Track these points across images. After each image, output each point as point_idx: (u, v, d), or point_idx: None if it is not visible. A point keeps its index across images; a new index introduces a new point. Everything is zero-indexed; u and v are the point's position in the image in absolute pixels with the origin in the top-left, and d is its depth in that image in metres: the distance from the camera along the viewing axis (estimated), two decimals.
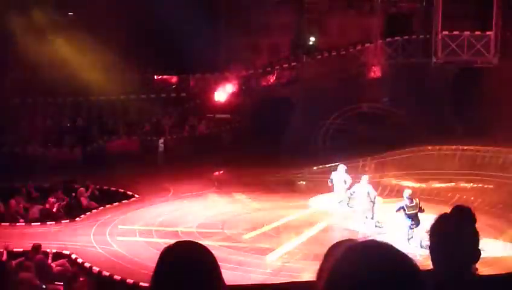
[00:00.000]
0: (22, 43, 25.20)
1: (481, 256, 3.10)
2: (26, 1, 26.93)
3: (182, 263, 2.52)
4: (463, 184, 22.12)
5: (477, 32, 27.75)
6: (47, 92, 27.39)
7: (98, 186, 21.85)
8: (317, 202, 20.54)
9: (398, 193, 22.09)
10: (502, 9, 27.07)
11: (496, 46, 27.43)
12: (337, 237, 17.18)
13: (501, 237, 16.42)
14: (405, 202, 15.97)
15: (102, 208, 20.26)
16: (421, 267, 1.77)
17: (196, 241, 2.71)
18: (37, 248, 14.57)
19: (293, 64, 30.22)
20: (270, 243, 16.60)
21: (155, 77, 31.24)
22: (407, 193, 16.17)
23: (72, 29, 26.31)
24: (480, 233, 3.27)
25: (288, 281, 13.03)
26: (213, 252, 2.61)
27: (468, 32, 27.69)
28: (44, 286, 13.24)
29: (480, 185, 21.85)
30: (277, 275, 13.99)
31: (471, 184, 22.02)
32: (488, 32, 27.57)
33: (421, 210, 15.95)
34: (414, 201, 16.02)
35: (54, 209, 19.37)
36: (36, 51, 24.78)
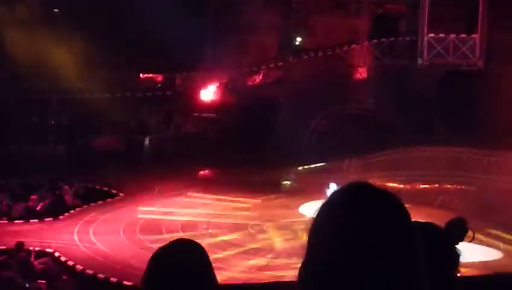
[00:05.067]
0: (6, 40, 25.02)
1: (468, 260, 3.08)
2: None
3: (178, 263, 2.51)
4: (447, 186, 22.23)
5: (462, 35, 27.88)
6: (32, 90, 27.21)
7: (82, 185, 21.76)
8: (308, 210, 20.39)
9: None
10: (488, 13, 27.20)
11: (481, 49, 27.56)
12: None
13: (484, 240, 16.51)
14: None
15: (86, 206, 20.18)
16: None
17: (191, 240, 2.69)
18: (20, 245, 14.49)
19: (279, 64, 30.22)
20: (255, 243, 16.61)
21: (141, 75, 31.12)
22: None
23: (57, 26, 26.16)
24: (473, 238, 3.26)
25: (273, 280, 13.06)
26: None
27: (453, 35, 27.81)
28: (27, 285, 13.15)
29: (464, 186, 21.97)
30: (261, 274, 14.00)
31: (455, 186, 22.13)
32: (473, 35, 27.71)
33: None
34: None
35: (38, 207, 19.26)
36: (20, 48, 24.63)
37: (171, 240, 2.62)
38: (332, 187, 19.20)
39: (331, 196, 1.62)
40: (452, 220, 3.22)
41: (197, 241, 2.67)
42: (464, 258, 2.96)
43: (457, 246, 3.06)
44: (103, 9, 26.18)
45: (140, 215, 19.00)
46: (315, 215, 1.61)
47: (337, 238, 1.53)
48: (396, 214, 1.58)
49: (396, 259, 1.51)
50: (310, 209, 19.62)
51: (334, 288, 1.52)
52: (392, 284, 1.49)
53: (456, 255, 2.99)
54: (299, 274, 1.60)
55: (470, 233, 3.23)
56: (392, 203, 1.60)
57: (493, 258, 15.46)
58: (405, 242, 1.55)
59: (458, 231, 3.17)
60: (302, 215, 19.07)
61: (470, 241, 3.21)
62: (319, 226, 1.59)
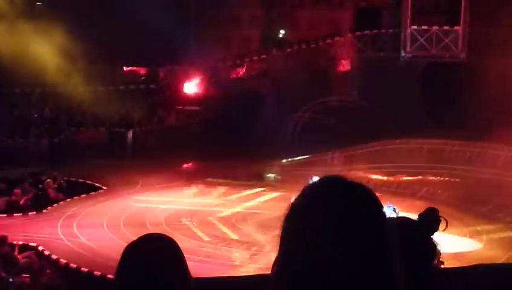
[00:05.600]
0: None
1: (449, 251, 3.11)
2: None
3: (147, 257, 2.50)
4: (430, 177, 22.36)
5: (445, 27, 28.00)
6: (14, 83, 27.02)
7: (65, 178, 21.67)
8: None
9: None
10: (471, 5, 27.32)
11: (464, 41, 27.69)
12: None
13: (467, 230, 16.65)
14: None
15: (69, 199, 20.11)
16: None
17: (162, 233, 2.68)
18: (3, 240, 14.39)
19: (263, 56, 30.21)
20: (239, 236, 16.63)
21: (124, 68, 30.98)
22: None
23: (40, 19, 25.96)
24: (447, 226, 3.29)
25: (257, 273, 13.09)
26: (181, 244, 2.59)
27: (436, 27, 27.92)
28: (10, 279, 13.09)
29: (447, 178, 22.11)
30: (245, 267, 14.02)
31: (439, 177, 22.27)
32: (456, 27, 27.83)
33: None
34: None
35: (21, 201, 19.16)
36: (3, 41, 24.42)
37: (142, 235, 2.61)
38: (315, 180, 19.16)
39: (303, 190, 1.64)
40: (424, 212, 3.25)
41: (181, 234, 2.66)
42: (441, 249, 2.98)
43: (435, 237, 3.08)
44: (86, 2, 26.00)
45: (123, 209, 18.96)
46: (288, 210, 1.64)
47: (309, 231, 1.55)
48: (367, 204, 1.61)
49: (367, 248, 1.53)
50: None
51: (307, 278, 1.54)
52: (364, 272, 1.51)
53: (433, 246, 3.02)
54: (272, 267, 1.62)
55: (443, 222, 3.25)
56: (362, 194, 1.62)
57: (475, 249, 15.58)
58: (375, 231, 1.57)
59: (431, 221, 3.19)
60: (286, 208, 19.06)
61: (444, 230, 3.23)
62: (291, 220, 1.62)
